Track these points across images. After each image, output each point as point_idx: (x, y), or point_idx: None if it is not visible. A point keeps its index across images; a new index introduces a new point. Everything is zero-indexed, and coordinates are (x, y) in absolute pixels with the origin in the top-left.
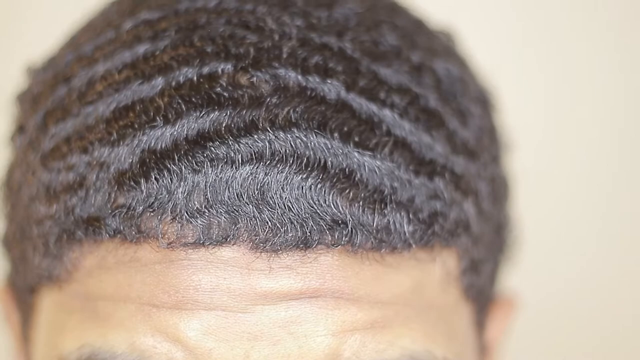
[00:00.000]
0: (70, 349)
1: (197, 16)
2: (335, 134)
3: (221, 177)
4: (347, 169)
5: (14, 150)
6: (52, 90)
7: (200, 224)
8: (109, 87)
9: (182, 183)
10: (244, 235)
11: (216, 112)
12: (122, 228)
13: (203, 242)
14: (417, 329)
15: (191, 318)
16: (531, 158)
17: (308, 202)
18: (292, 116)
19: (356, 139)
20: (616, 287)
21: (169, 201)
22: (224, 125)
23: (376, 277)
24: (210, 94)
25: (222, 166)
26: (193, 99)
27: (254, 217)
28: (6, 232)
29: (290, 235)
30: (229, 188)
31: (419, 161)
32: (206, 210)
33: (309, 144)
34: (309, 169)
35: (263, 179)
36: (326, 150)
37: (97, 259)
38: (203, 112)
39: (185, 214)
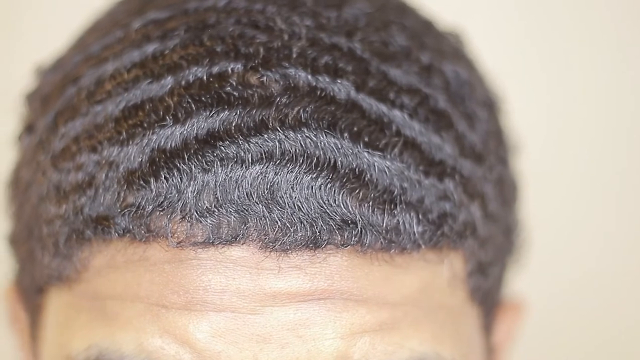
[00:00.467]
0: (78, 349)
1: (207, 16)
2: (345, 134)
3: (231, 177)
4: (357, 169)
5: (21, 150)
6: (62, 90)
7: (210, 224)
8: (117, 87)
9: (191, 182)
10: (253, 234)
11: (226, 112)
12: (131, 227)
13: (212, 242)
14: (425, 331)
15: (200, 320)
16: (536, 160)
17: (318, 202)
18: (302, 116)
19: (366, 139)
20: (622, 288)
21: (178, 200)
22: (234, 124)
23: (385, 278)
24: (220, 93)
25: (232, 165)
26: (203, 98)
27: (263, 216)
28: (13, 231)
29: (299, 235)
30: (238, 187)
31: (428, 162)
32: (216, 210)
33: (318, 144)
34: (318, 168)
35: (273, 179)
36: (336, 150)
37: (106, 258)
38: (213, 112)
39: (195, 213)
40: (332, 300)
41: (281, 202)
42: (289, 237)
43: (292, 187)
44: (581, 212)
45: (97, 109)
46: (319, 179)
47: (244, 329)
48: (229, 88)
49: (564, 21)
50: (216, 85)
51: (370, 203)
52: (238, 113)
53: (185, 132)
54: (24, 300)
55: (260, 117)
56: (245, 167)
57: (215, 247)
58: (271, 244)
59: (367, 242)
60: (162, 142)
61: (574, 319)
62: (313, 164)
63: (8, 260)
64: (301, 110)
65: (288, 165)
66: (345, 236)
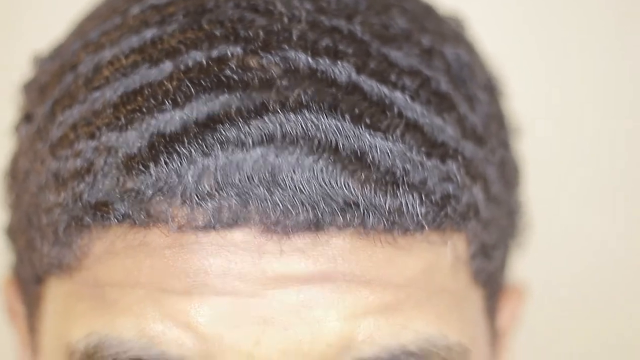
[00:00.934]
0: (78, 337)
1: (205, 0)
2: (347, 116)
3: (231, 160)
4: (358, 151)
5: (19, 139)
6: (60, 78)
7: (211, 207)
8: (116, 72)
9: (192, 166)
10: (255, 217)
11: (226, 95)
12: (130, 212)
13: (213, 226)
14: (430, 312)
15: (202, 303)
16: (537, 144)
17: (319, 184)
18: (303, 98)
19: (367, 120)
20: (625, 275)
21: (178, 185)
22: (234, 107)
23: (388, 260)
24: (219, 76)
25: (232, 149)
26: (202, 82)
27: (265, 199)
28: (10, 222)
29: (301, 217)
30: (239, 170)
31: (430, 143)
32: (216, 193)
33: (320, 126)
34: (320, 150)
35: (274, 161)
36: (337, 132)
37: (106, 244)
38: (212, 95)
39: (196, 197)
40: (335, 283)
41: (282, 184)
42: (290, 219)
43: (293, 170)
44: (583, 197)
45: (95, 95)
46: (321, 161)
47: (246, 312)
48: (228, 71)
49: (563, 5)
50: (215, 69)
51: (373, 184)
52: (238, 96)
53: (184, 116)
54: (22, 292)
55: (260, 100)
56: (246, 150)
57: (217, 231)
58: (273, 226)
59: (370, 223)
60: (162, 127)
61: (578, 306)
62: (314, 146)
63: (5, 253)
64: (302, 93)
65: (289, 147)
66: (348, 218)
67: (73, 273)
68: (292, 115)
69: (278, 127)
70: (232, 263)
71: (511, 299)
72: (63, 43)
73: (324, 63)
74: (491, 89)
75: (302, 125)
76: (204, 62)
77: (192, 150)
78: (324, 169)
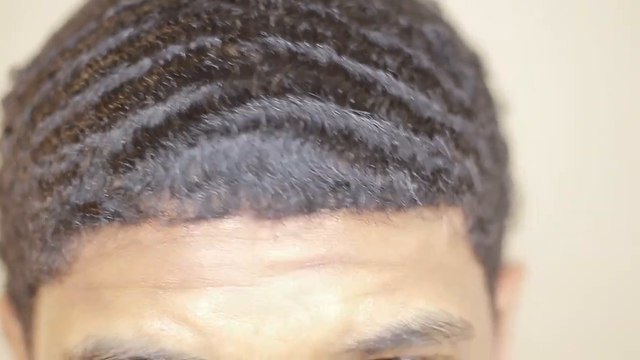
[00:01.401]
0: (75, 342)
1: None
2: (331, 97)
3: (218, 149)
4: (345, 130)
5: (2, 154)
6: (38, 86)
7: (200, 198)
8: (95, 74)
9: (178, 158)
10: (245, 204)
11: (208, 85)
12: (120, 210)
13: (204, 216)
14: (429, 290)
15: (198, 296)
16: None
17: (308, 166)
18: (285, 82)
19: (352, 100)
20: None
21: (166, 178)
22: (216, 96)
23: (383, 239)
24: (200, 67)
25: (217, 137)
26: (183, 75)
27: (254, 185)
28: (1, 238)
29: (293, 200)
30: (226, 158)
31: (416, 119)
32: (205, 183)
33: (304, 108)
34: (306, 132)
35: (261, 146)
36: (323, 113)
37: (96, 246)
38: (194, 86)
39: (184, 189)
40: (332, 265)
41: (271, 169)
42: (282, 203)
43: (281, 154)
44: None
45: (75, 99)
46: (308, 143)
47: (244, 302)
48: (208, 61)
49: None
50: (195, 60)
51: (362, 163)
52: (220, 85)
53: (167, 109)
54: (16, 308)
55: (242, 87)
56: (232, 138)
57: (208, 221)
58: (264, 212)
59: (362, 202)
60: (145, 122)
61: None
62: (300, 128)
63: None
64: (283, 77)
65: (275, 132)
66: (339, 198)
67: (64, 278)
68: (275, 100)
69: (262, 112)
70: (226, 253)
71: (510, 279)
72: (39, 53)
73: (304, 46)
74: (476, 65)
75: (286, 109)
76: (183, 55)
77: (178, 142)
78: (312, 150)
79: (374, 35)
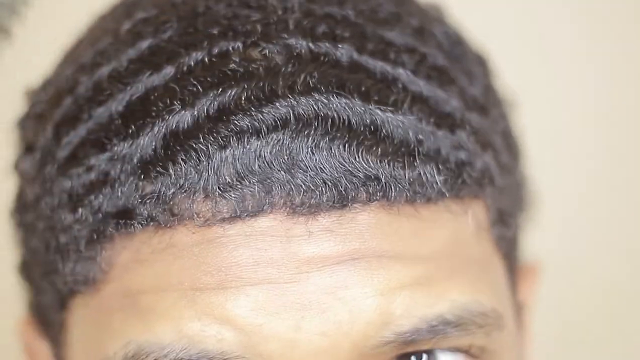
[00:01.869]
0: (115, 349)
1: (196, 4)
2: (355, 94)
3: (249, 148)
4: (371, 126)
5: (22, 173)
6: (58, 103)
7: (234, 197)
8: (117, 84)
9: (210, 160)
10: (279, 202)
11: (234, 88)
12: (154, 214)
13: (239, 215)
14: (462, 281)
15: (237, 296)
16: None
17: (339, 162)
18: (310, 81)
19: (375, 97)
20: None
21: (199, 180)
22: (244, 97)
23: (414, 233)
24: (224, 71)
25: (247, 137)
26: (208, 79)
27: (287, 182)
28: (22, 258)
29: (325, 195)
30: (258, 158)
31: (438, 114)
32: (238, 183)
33: (331, 106)
34: (334, 129)
35: (291, 145)
36: (348, 110)
37: (132, 252)
38: (220, 90)
39: (218, 189)
40: (366, 259)
41: (303, 166)
42: (315, 199)
43: (311, 150)
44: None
45: (99, 110)
46: (337, 139)
47: (283, 299)
48: (233, 65)
49: None
50: (219, 65)
51: (390, 157)
52: (246, 87)
53: (195, 113)
54: (43, 325)
55: (269, 87)
56: (262, 137)
57: (243, 220)
58: (298, 208)
59: (393, 195)
60: (174, 126)
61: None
62: (328, 125)
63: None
64: (308, 76)
65: (304, 129)
66: (371, 191)
67: (100, 286)
68: (302, 99)
69: (290, 110)
70: (262, 251)
71: (527, 276)
72: (54, 72)
73: (325, 46)
74: (483, 64)
75: (313, 107)
76: (206, 60)
77: (208, 144)
78: (341, 146)
79: (390, 35)
